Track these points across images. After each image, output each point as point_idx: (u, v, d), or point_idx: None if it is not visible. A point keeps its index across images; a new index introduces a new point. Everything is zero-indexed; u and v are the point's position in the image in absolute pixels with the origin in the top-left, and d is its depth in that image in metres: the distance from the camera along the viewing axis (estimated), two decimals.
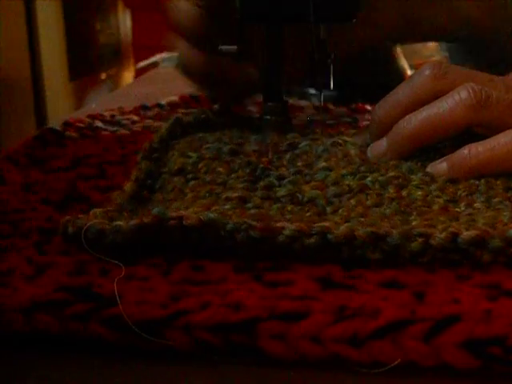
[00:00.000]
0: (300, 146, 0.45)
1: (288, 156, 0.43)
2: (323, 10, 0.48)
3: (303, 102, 0.67)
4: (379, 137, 0.45)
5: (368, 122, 0.51)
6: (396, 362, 0.25)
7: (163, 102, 0.68)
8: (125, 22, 3.28)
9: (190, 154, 0.44)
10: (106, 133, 0.59)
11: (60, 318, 0.28)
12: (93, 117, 0.62)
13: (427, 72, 0.43)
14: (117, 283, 0.29)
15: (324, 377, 0.26)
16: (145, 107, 0.67)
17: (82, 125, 0.60)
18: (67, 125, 0.59)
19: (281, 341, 0.26)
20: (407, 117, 0.43)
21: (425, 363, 0.25)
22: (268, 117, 0.51)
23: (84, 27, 2.87)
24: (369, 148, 0.45)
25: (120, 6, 3.24)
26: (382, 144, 0.44)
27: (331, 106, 0.65)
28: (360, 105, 0.65)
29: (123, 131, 0.59)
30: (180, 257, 0.33)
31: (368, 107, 0.64)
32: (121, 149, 0.53)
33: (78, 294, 0.28)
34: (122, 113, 0.65)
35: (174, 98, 0.69)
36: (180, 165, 0.43)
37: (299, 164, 0.42)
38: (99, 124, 0.61)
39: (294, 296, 0.28)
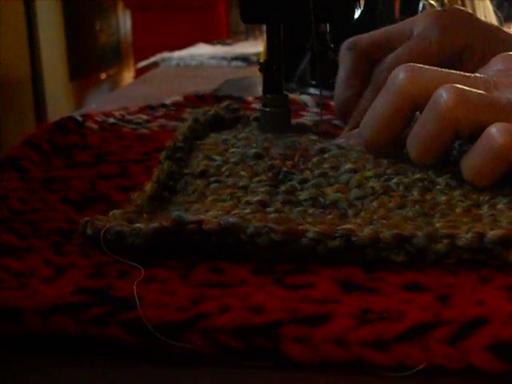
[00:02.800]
0: (331, 150, 0.44)
1: (315, 159, 0.43)
2: (323, 10, 0.48)
3: (305, 97, 0.65)
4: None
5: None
6: (422, 366, 0.25)
7: (168, 102, 0.68)
8: (125, 22, 3.27)
9: (215, 157, 0.44)
10: (126, 129, 0.59)
11: (79, 321, 0.27)
12: (106, 114, 0.62)
13: (401, 77, 0.41)
14: (136, 286, 0.28)
15: (347, 380, 0.26)
16: (150, 107, 0.66)
17: (99, 119, 0.59)
18: (85, 116, 0.59)
19: (304, 344, 0.26)
20: (407, 142, 0.41)
21: (451, 366, 0.25)
22: (267, 109, 0.51)
23: (84, 27, 2.87)
24: None
25: (120, 6, 3.24)
26: None
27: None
28: None
29: (142, 129, 0.59)
30: (198, 259, 0.33)
31: None
32: (142, 147, 0.53)
33: (96, 297, 0.28)
34: (129, 112, 0.64)
35: (179, 98, 0.69)
36: (203, 167, 0.42)
37: (325, 166, 0.42)
38: (113, 121, 0.60)
39: (315, 299, 0.28)
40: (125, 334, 0.27)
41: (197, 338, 0.26)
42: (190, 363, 0.27)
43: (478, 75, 0.42)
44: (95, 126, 0.57)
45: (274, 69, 0.50)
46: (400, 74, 0.41)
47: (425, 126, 0.40)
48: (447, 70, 0.42)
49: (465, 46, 0.49)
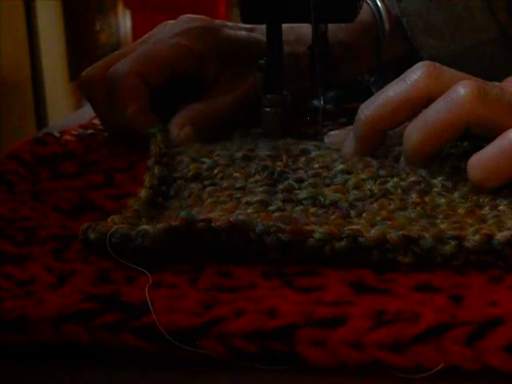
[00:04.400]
0: (313, 151, 0.44)
1: (303, 159, 0.42)
2: (323, 9, 0.48)
3: None
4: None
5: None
6: (439, 367, 0.25)
7: None
8: (125, 22, 3.27)
9: (203, 159, 0.43)
10: (104, 136, 0.57)
11: (90, 329, 0.27)
12: (85, 126, 0.60)
13: (421, 71, 0.41)
14: (147, 291, 0.28)
15: (364, 383, 0.26)
16: None
17: (75, 132, 0.58)
18: (63, 132, 0.57)
19: (320, 347, 0.25)
20: (408, 129, 0.41)
21: (469, 367, 0.25)
22: (268, 109, 0.51)
23: (84, 27, 2.87)
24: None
25: (120, 6, 3.23)
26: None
27: (328, 107, 0.65)
28: (355, 105, 0.64)
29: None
30: (205, 263, 0.32)
31: None
32: (127, 155, 0.51)
33: (106, 304, 0.28)
34: None
35: None
36: (195, 170, 0.42)
37: (316, 166, 0.41)
38: (91, 131, 0.59)
39: (328, 301, 0.28)
40: (138, 341, 0.26)
41: (211, 342, 0.26)
42: (205, 368, 0.26)
43: (496, 83, 0.42)
44: (73, 139, 0.56)
45: (274, 69, 0.50)
46: (420, 69, 0.41)
47: (436, 115, 0.39)
48: (464, 74, 0.42)
49: None
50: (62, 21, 2.63)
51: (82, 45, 2.83)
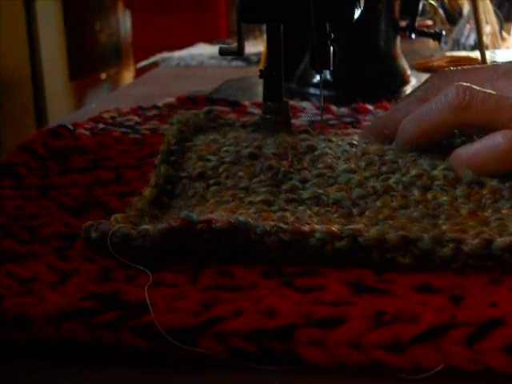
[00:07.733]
0: (319, 147, 0.44)
1: (308, 158, 0.43)
2: (323, 10, 0.47)
3: (305, 103, 0.66)
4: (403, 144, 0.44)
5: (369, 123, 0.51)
6: (438, 368, 0.25)
7: (160, 103, 0.67)
8: (125, 22, 3.28)
9: (209, 157, 0.43)
10: (116, 133, 0.58)
11: (89, 327, 0.27)
12: (95, 120, 0.61)
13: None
14: (147, 290, 0.28)
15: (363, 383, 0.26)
16: (142, 108, 0.66)
17: (88, 126, 0.59)
18: (75, 125, 0.58)
19: (319, 347, 0.25)
20: (404, 121, 0.43)
21: (468, 368, 0.25)
22: (268, 116, 0.51)
23: (84, 27, 2.87)
24: None
25: (120, 6, 3.24)
26: None
27: (332, 107, 0.64)
28: (361, 105, 0.64)
29: (132, 134, 0.58)
30: (206, 263, 0.32)
31: (369, 107, 0.64)
32: (137, 152, 0.52)
33: (106, 302, 0.28)
34: (121, 114, 0.64)
35: (171, 100, 0.68)
36: (200, 169, 0.42)
37: (320, 166, 0.42)
38: (103, 126, 0.60)
39: (328, 301, 0.28)
40: (137, 340, 0.26)
41: (210, 342, 0.26)
42: (204, 368, 0.26)
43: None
44: (86, 132, 0.57)
45: (274, 76, 0.50)
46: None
47: (429, 114, 0.42)
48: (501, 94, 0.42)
49: None
50: (61, 21, 2.64)
51: (82, 45, 2.83)
